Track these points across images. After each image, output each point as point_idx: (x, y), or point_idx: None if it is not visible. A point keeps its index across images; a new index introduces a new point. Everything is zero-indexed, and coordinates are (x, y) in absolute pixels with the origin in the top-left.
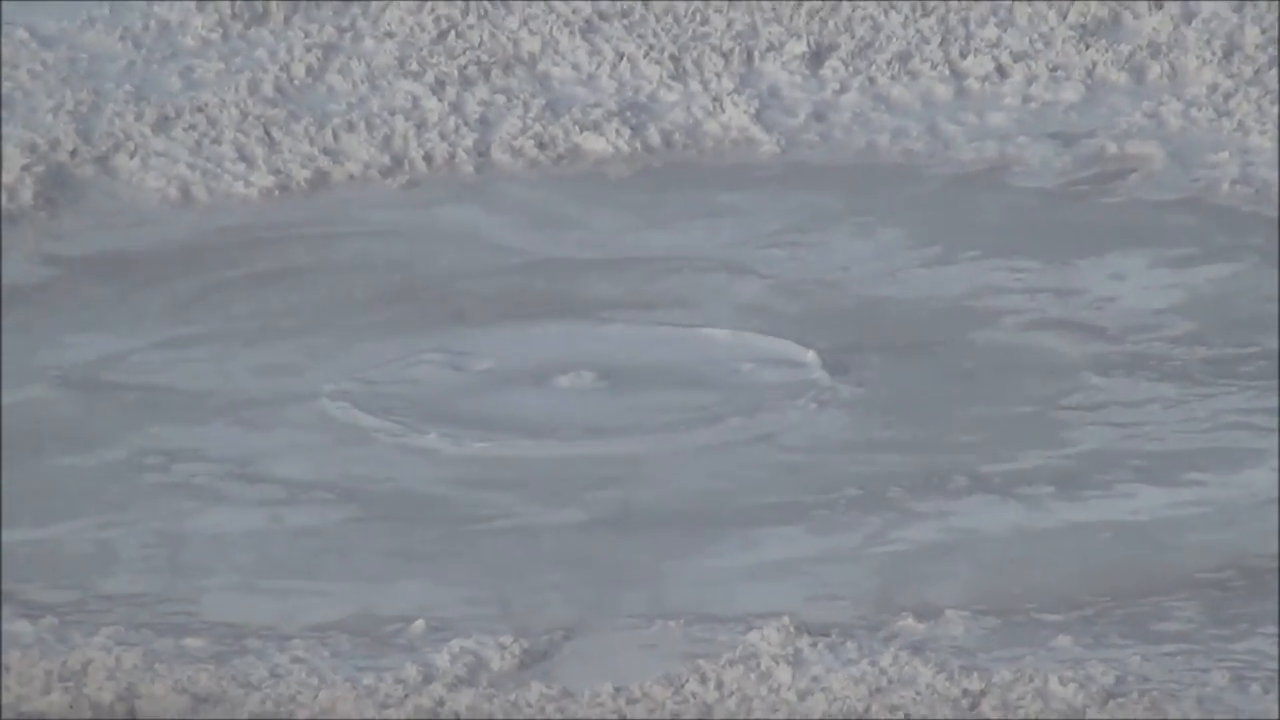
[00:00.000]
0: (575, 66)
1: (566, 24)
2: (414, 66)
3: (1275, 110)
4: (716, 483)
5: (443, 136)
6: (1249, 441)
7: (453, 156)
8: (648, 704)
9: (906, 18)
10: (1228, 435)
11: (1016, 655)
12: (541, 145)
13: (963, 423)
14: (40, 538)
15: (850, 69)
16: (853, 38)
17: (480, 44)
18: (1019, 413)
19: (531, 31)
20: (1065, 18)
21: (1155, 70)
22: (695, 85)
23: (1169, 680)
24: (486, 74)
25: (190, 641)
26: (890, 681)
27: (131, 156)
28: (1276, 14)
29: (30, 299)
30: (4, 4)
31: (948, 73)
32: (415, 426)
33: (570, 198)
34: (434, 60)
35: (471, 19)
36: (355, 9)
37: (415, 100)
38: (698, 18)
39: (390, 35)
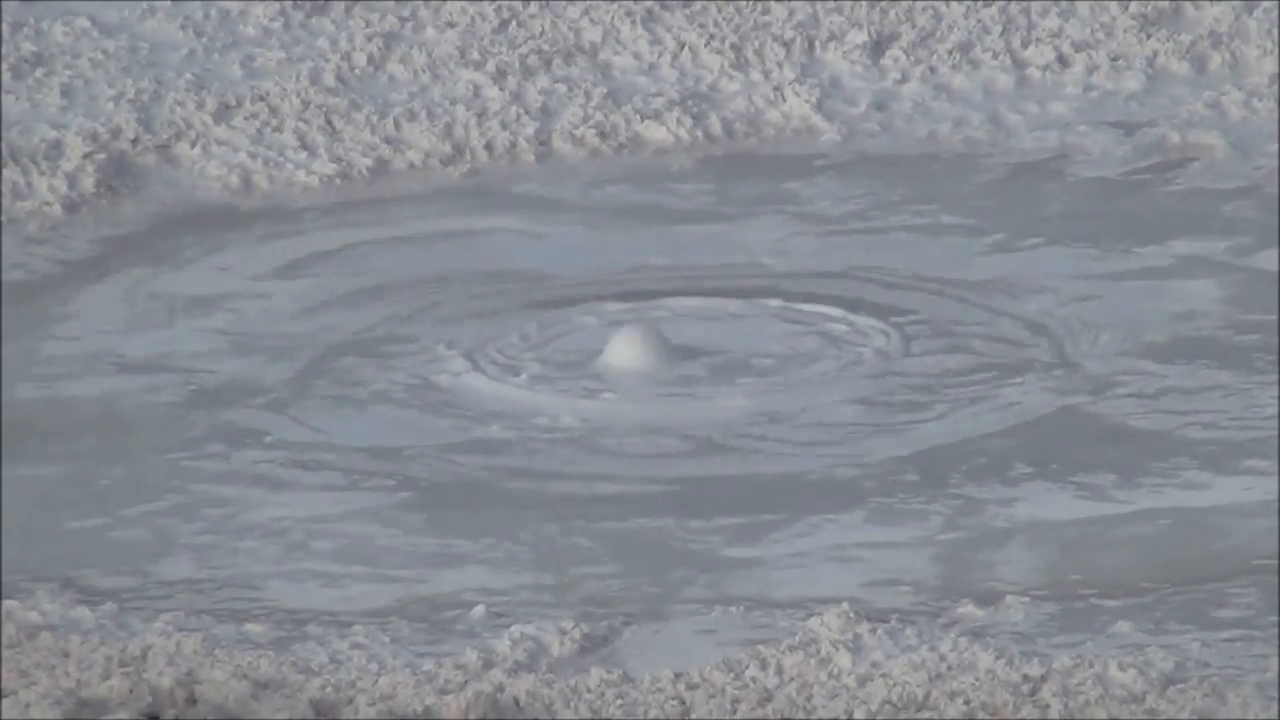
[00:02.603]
0: (636, 56)
1: (628, 13)
2: (475, 56)
3: None
4: (776, 466)
5: (504, 125)
6: None
7: (514, 145)
8: (708, 689)
9: (968, 7)
10: None
11: (1076, 641)
12: (602, 134)
13: (1023, 409)
14: (100, 524)
15: (911, 58)
16: (914, 27)
17: (541, 33)
18: (1079, 399)
19: (593, 21)
20: (1127, 7)
21: (1216, 60)
22: (756, 74)
23: (1228, 666)
24: (548, 63)
25: (250, 627)
26: (950, 667)
27: (193, 145)
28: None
29: (87, 284)
30: None
31: (1009, 62)
32: (474, 414)
33: (631, 186)
34: (495, 50)
35: (533, 8)
36: None
37: (476, 89)
38: (759, 7)
39: (452, 25)
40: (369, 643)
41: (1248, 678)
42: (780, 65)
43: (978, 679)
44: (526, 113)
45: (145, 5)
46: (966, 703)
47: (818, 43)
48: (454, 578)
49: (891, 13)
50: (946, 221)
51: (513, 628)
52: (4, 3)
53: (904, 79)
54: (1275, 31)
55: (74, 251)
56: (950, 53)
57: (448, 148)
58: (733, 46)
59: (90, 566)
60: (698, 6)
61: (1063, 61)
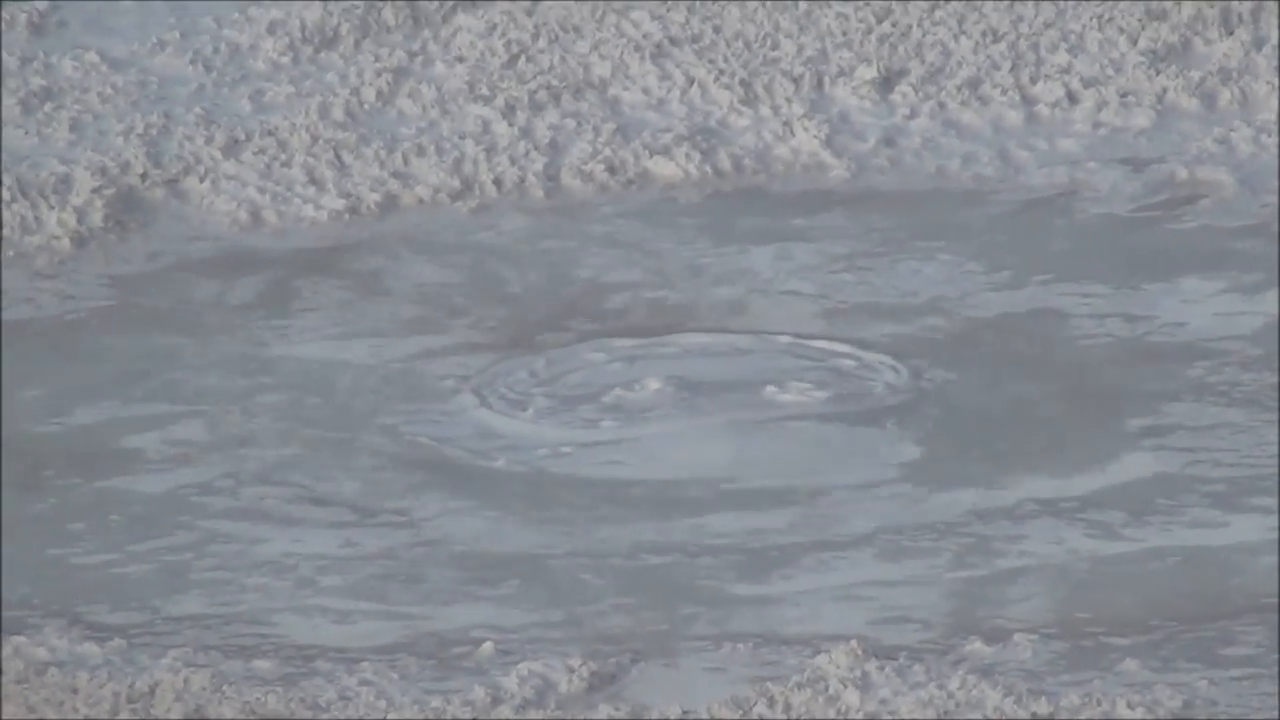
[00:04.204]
0: (645, 91)
1: (637, 48)
2: (484, 91)
3: None
4: (784, 505)
5: (513, 161)
6: None
7: (522, 180)
8: None
9: (977, 43)
10: None
11: (1084, 679)
12: (611, 170)
13: (1031, 447)
14: (108, 560)
15: (920, 94)
16: (923, 63)
17: (550, 68)
18: (1087, 437)
19: (602, 56)
20: (1136, 44)
21: (1226, 96)
22: (765, 110)
23: (1236, 705)
24: (557, 98)
25: (258, 663)
26: (958, 705)
27: (201, 180)
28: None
29: (99, 319)
30: (76, 27)
31: (1018, 98)
32: (481, 451)
33: (640, 221)
34: (504, 84)
35: (542, 43)
36: (426, 33)
37: (485, 124)
38: (768, 43)
39: (461, 60)
40: (377, 679)
41: (1255, 716)
42: (789, 101)
43: (986, 717)
44: (535, 148)
45: (154, 40)
46: None
47: (827, 78)
48: (462, 614)
49: (901, 48)
50: (955, 258)
51: (521, 665)
52: (13, 37)
53: (913, 115)
54: None
55: (81, 285)
56: (959, 89)
57: (456, 183)
58: (742, 82)
59: (98, 602)
60: (707, 42)
61: (1072, 98)
